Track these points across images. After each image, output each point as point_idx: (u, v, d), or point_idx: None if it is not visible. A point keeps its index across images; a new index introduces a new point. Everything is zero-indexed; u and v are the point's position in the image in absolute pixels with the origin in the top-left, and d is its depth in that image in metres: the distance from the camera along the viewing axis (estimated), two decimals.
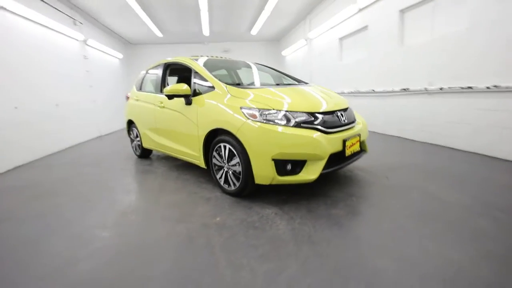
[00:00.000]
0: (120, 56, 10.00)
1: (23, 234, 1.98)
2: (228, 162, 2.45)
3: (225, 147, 2.44)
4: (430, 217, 1.96)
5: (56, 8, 5.78)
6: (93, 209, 2.39)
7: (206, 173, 3.31)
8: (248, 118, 2.22)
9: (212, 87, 2.69)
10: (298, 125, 2.19)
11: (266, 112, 2.22)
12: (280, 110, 2.22)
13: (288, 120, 2.20)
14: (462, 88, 3.61)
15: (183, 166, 3.75)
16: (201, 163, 2.86)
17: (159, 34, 9.38)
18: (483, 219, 1.88)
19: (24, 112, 4.54)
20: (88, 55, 7.45)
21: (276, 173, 2.14)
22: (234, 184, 2.45)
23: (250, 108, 2.26)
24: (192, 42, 11.24)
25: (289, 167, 2.17)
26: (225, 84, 2.60)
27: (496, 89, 3.19)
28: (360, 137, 2.58)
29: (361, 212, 2.11)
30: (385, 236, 1.73)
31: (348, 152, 2.37)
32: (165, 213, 2.24)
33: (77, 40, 6.81)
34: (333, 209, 2.15)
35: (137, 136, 4.25)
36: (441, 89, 3.95)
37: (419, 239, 1.68)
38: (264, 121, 2.18)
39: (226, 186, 2.56)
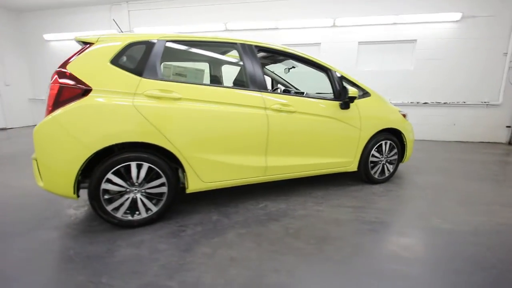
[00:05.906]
0: None
1: None
2: (387, 155, 3.07)
3: (386, 143, 3.01)
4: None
5: None
6: None
7: (325, 184, 3.09)
8: (404, 118, 3.15)
9: (367, 92, 2.96)
10: None
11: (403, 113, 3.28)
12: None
13: None
14: None
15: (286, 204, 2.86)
16: (352, 167, 2.92)
17: None
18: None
19: None
20: None
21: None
22: (389, 171, 3.13)
23: (401, 111, 3.17)
24: None
25: None
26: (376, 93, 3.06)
27: None
28: None
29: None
30: None
31: None
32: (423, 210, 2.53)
33: None
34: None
35: (150, 178, 2.06)
36: None
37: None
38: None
39: (377, 176, 3.09)
